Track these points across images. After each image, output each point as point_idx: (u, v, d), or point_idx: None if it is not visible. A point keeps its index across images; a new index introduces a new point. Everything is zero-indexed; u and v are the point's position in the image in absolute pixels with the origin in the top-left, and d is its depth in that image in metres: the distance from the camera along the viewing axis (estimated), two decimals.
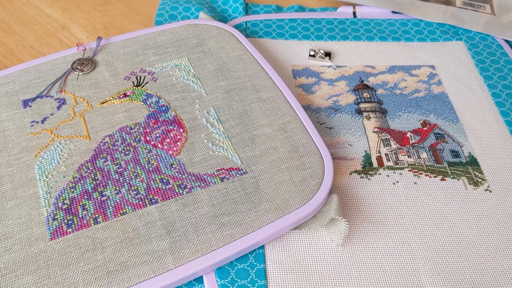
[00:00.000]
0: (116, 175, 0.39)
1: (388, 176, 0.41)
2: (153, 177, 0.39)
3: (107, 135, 0.41)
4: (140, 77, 0.46)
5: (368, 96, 0.48)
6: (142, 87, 0.45)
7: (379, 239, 0.37)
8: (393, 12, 0.57)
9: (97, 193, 0.38)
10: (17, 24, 0.58)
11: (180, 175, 0.39)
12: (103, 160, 0.40)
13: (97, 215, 0.36)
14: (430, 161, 0.42)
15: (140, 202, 0.37)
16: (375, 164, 0.42)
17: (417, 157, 0.43)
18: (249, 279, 0.35)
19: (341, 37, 0.54)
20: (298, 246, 0.37)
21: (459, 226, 0.38)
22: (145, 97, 0.44)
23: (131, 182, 0.38)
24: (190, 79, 0.46)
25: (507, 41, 0.55)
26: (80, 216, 0.36)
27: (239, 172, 0.39)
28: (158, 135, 0.41)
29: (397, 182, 0.41)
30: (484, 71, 0.51)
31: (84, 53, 0.48)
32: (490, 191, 0.41)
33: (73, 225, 0.36)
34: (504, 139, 0.45)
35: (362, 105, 0.47)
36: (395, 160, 0.43)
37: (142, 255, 0.34)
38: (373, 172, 0.42)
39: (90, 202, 0.37)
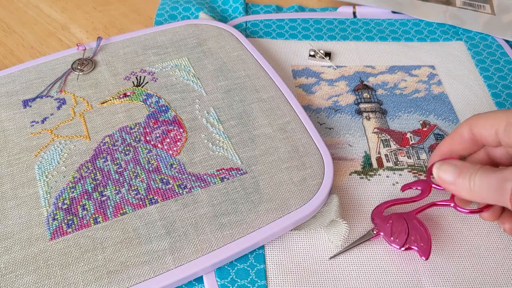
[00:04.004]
0: (116, 175, 0.39)
1: (387, 176, 0.41)
2: (153, 177, 0.39)
3: (107, 135, 0.41)
4: (140, 77, 0.46)
5: (368, 97, 0.48)
6: (142, 87, 0.45)
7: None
8: (393, 12, 0.57)
9: (97, 193, 0.38)
10: (17, 24, 0.58)
11: (180, 175, 0.39)
12: (103, 160, 0.40)
13: (97, 215, 0.36)
14: None
15: (140, 202, 0.37)
16: (374, 164, 0.42)
17: (416, 158, 0.43)
18: (249, 279, 0.35)
19: (341, 37, 0.54)
20: (298, 246, 0.37)
21: (459, 226, 0.38)
22: (145, 97, 0.44)
23: (131, 182, 0.38)
24: (190, 79, 0.46)
25: (507, 41, 0.55)
26: (80, 216, 0.36)
27: (239, 172, 0.39)
28: (158, 135, 0.41)
29: (397, 183, 0.41)
30: (484, 71, 0.51)
31: (84, 53, 0.48)
32: None
33: (73, 225, 0.36)
34: None
35: (362, 106, 0.47)
36: (394, 160, 0.43)
37: (142, 255, 0.34)
38: (373, 173, 0.42)
39: (90, 202, 0.37)
